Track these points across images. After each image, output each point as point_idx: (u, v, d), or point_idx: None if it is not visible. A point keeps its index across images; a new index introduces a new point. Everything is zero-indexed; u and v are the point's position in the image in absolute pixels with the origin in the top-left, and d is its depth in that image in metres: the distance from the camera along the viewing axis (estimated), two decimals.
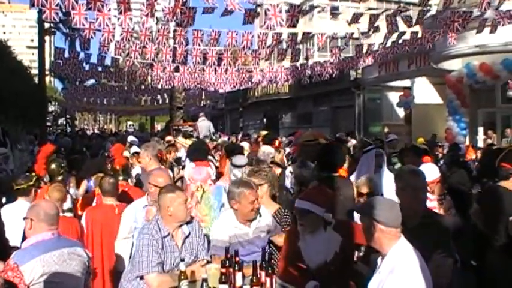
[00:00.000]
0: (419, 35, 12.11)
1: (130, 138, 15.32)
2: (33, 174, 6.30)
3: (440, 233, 3.71)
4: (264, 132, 13.86)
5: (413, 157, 6.77)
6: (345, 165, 6.54)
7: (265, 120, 33.15)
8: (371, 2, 27.08)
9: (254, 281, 3.61)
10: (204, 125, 17.37)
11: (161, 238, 4.02)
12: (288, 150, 11.12)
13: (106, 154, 10.99)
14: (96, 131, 55.37)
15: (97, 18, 7.85)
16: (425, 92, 21.18)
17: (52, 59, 17.31)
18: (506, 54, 14.59)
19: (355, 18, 9.84)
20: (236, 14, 8.00)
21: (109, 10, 7.65)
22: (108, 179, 5.77)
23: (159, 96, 26.37)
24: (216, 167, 8.75)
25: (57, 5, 6.99)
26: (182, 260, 3.81)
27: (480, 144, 16.95)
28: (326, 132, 15.55)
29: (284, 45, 12.53)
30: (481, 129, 18.61)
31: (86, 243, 5.08)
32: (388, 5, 24.72)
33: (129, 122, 68.07)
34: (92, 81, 21.26)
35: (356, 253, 4.39)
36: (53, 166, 7.01)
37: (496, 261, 4.93)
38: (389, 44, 12.61)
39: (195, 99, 28.41)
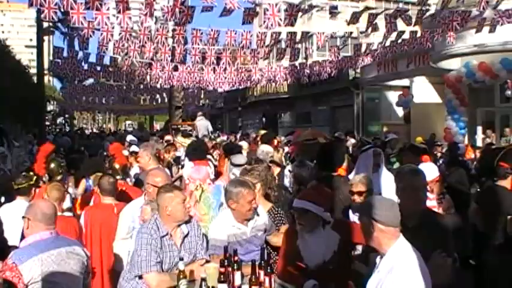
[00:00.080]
0: (418, 35, 12.12)
1: (129, 137, 15.31)
2: (32, 173, 6.29)
3: (440, 232, 3.70)
4: (262, 132, 13.87)
5: (412, 156, 6.76)
6: (344, 165, 6.53)
7: (264, 119, 33.13)
8: (370, 1, 27.05)
9: (253, 280, 3.61)
10: (202, 124, 17.36)
11: (160, 237, 4.02)
12: (286, 149, 11.13)
13: (105, 153, 10.97)
14: (95, 130, 55.38)
15: (96, 18, 7.84)
16: (424, 91, 21.19)
17: (51, 58, 17.27)
18: (505, 54, 14.60)
19: (355, 18, 9.84)
20: (235, 13, 8.01)
21: (108, 9, 7.64)
22: (108, 178, 5.77)
23: (157, 96, 26.36)
24: (215, 166, 8.74)
25: (55, 4, 6.99)
26: (181, 259, 3.81)
27: (479, 143, 16.98)
28: (325, 131, 15.54)
29: (283, 45, 12.53)
30: (479, 129, 18.62)
31: (84, 243, 5.07)
32: (387, 4, 24.72)
33: (128, 122, 68.00)
34: (90, 80, 21.21)
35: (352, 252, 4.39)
36: (53, 166, 7.02)
37: (494, 260, 4.93)
38: (388, 43, 12.62)
39: (194, 99, 28.39)
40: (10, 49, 15.65)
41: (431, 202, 5.19)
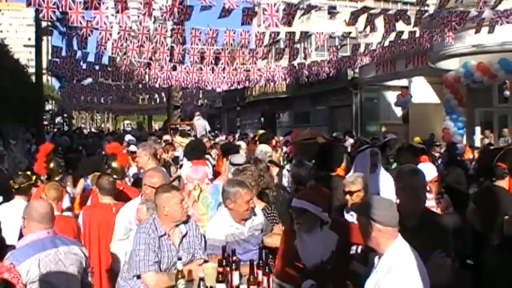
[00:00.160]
0: (417, 35, 12.13)
1: (128, 137, 15.32)
2: (29, 172, 6.28)
3: (440, 232, 3.71)
4: (261, 132, 13.87)
5: (410, 157, 6.77)
6: (343, 165, 6.53)
7: (262, 119, 33.14)
8: (368, 1, 27.07)
9: (251, 280, 3.61)
10: (200, 124, 17.38)
11: (158, 237, 4.02)
12: (284, 149, 11.13)
13: (103, 153, 10.97)
14: (93, 129, 55.34)
15: (94, 17, 7.83)
16: (422, 91, 21.19)
17: (49, 57, 17.25)
18: (503, 54, 14.61)
19: (353, 19, 9.83)
20: (234, 13, 8.01)
21: (106, 8, 7.64)
22: (107, 177, 5.77)
23: (156, 95, 26.35)
24: (213, 166, 8.75)
25: (54, 3, 6.98)
26: (179, 259, 3.81)
27: (477, 143, 17.00)
28: (323, 131, 15.54)
29: (282, 45, 12.52)
30: (478, 129, 18.64)
31: (83, 242, 5.07)
32: (385, 4, 24.74)
33: (127, 121, 68.01)
34: (89, 80, 21.20)
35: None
36: (52, 165, 7.01)
37: (492, 260, 4.94)
38: (386, 43, 12.63)
39: (192, 98, 28.37)
40: (8, 48, 15.62)
41: (430, 202, 5.20)
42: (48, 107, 41.97)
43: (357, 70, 21.84)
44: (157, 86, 16.80)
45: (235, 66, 14.78)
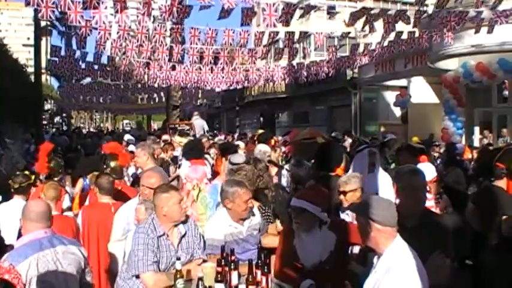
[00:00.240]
0: (416, 35, 12.13)
1: (127, 136, 15.32)
2: (28, 172, 6.28)
3: (440, 232, 3.71)
4: (260, 131, 13.87)
5: (409, 157, 6.77)
6: (342, 165, 6.53)
7: (261, 119, 33.15)
8: (367, 1, 27.07)
9: (250, 279, 3.61)
10: (198, 124, 17.39)
11: (156, 237, 4.02)
12: (283, 149, 11.12)
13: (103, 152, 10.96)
14: (92, 129, 55.29)
15: (93, 17, 7.83)
16: (421, 91, 21.19)
17: (48, 57, 17.25)
18: (502, 54, 14.60)
19: (353, 20, 9.83)
20: (233, 12, 8.01)
21: (105, 8, 7.64)
22: (107, 177, 5.76)
23: (155, 95, 26.33)
24: (212, 165, 8.75)
25: (53, 3, 6.97)
26: (178, 259, 3.81)
27: (476, 143, 16.99)
28: (322, 131, 15.52)
29: (281, 45, 12.52)
30: (477, 129, 18.64)
31: (82, 242, 5.06)
32: (385, 4, 24.73)
33: (126, 121, 67.97)
34: (88, 79, 21.18)
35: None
36: (52, 165, 7.01)
37: (491, 260, 4.94)
38: (386, 43, 12.63)
39: (191, 98, 28.37)
40: (7, 48, 15.60)
41: (429, 202, 5.20)
42: (47, 106, 41.92)
43: (356, 70, 21.82)
44: (156, 85, 16.80)
45: (235, 66, 14.78)
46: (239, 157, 6.49)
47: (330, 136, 13.48)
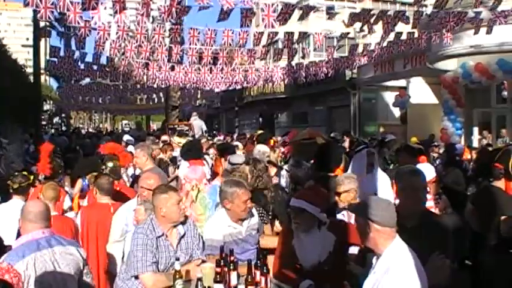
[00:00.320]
0: (415, 35, 12.14)
1: (126, 137, 15.31)
2: (26, 172, 6.27)
3: (440, 233, 3.71)
4: (259, 132, 13.87)
5: (408, 157, 6.78)
6: (342, 165, 6.53)
7: (260, 119, 33.15)
8: (367, 1, 27.11)
9: (249, 280, 3.61)
10: (197, 124, 17.39)
11: (155, 238, 4.02)
12: (282, 149, 11.12)
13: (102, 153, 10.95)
14: (91, 130, 55.26)
15: (92, 17, 7.83)
16: (420, 92, 21.22)
17: (47, 57, 17.23)
18: (501, 55, 14.62)
19: (353, 21, 9.83)
20: (233, 12, 8.01)
21: (105, 9, 7.64)
22: (106, 177, 5.76)
23: (154, 95, 26.31)
24: (211, 166, 8.74)
25: (52, 4, 6.96)
26: (177, 259, 3.81)
27: (475, 144, 17.00)
28: (321, 131, 15.52)
29: (280, 45, 12.51)
30: (476, 129, 18.66)
31: (81, 242, 5.06)
32: (383, 5, 24.74)
33: (125, 121, 67.97)
34: (87, 80, 21.17)
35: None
36: (53, 165, 7.01)
37: (490, 260, 4.94)
38: (385, 44, 12.63)
39: (190, 99, 28.38)
40: (6, 48, 15.57)
41: (429, 202, 5.20)
42: (46, 107, 41.94)
43: (355, 70, 21.86)
44: (155, 86, 16.82)
45: (234, 67, 14.80)
46: (239, 157, 6.50)
47: (329, 136, 13.48)
